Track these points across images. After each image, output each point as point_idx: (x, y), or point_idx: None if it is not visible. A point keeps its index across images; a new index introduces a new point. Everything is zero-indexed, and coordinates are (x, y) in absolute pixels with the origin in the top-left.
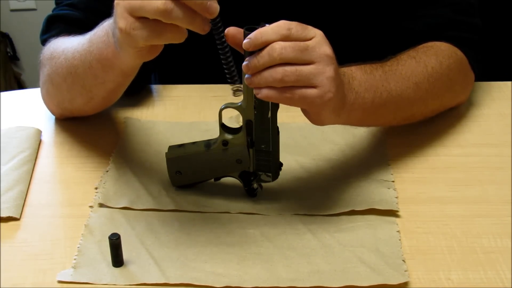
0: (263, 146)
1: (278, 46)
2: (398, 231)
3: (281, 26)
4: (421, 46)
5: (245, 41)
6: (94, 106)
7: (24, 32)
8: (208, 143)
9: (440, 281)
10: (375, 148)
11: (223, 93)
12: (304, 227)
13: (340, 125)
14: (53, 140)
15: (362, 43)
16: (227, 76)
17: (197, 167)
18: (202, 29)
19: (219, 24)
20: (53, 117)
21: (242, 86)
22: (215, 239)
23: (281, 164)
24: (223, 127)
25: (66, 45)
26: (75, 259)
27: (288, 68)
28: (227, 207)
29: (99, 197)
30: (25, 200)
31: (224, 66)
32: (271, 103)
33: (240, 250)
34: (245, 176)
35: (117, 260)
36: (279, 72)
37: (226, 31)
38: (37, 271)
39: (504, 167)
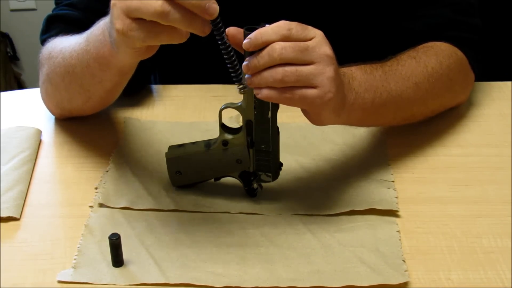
0: (263, 146)
1: (278, 46)
2: (398, 231)
3: (281, 26)
4: (421, 46)
5: (245, 41)
6: (92, 105)
7: (24, 32)
8: (208, 143)
9: (440, 281)
10: (375, 148)
11: (223, 93)
12: (304, 227)
13: (340, 125)
14: (53, 140)
15: (362, 43)
16: (232, 75)
17: (197, 167)
18: (201, 30)
19: (220, 25)
20: (53, 117)
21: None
22: (215, 239)
23: (281, 164)
24: (223, 127)
25: (64, 45)
26: (75, 259)
27: (288, 69)
28: (227, 207)
29: (99, 197)
30: (25, 200)
31: (229, 66)
32: (271, 103)
33: (240, 250)
34: (245, 176)
35: (117, 260)
36: (279, 72)
37: (226, 31)
38: (37, 271)
39: (504, 167)
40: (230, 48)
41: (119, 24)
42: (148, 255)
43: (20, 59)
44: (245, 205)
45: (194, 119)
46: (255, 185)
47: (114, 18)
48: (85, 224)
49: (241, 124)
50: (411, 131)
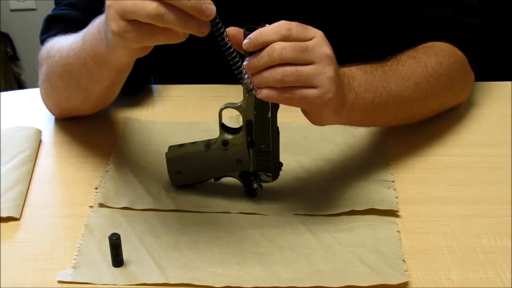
0: (263, 146)
1: (278, 46)
2: (398, 231)
3: (281, 26)
4: (421, 46)
5: (245, 41)
6: (91, 104)
7: (24, 32)
8: (208, 143)
9: (440, 281)
10: (375, 148)
11: (223, 93)
12: (304, 227)
13: (340, 125)
14: (53, 140)
15: (362, 43)
16: (238, 76)
17: (197, 167)
18: (199, 31)
19: (220, 25)
20: (53, 117)
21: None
22: (215, 239)
23: (281, 164)
24: (223, 127)
25: (62, 44)
26: (75, 259)
27: (288, 69)
28: (227, 207)
29: (99, 197)
30: (25, 200)
31: (233, 67)
32: (271, 103)
33: (240, 250)
34: (245, 176)
35: (117, 260)
36: (279, 72)
37: (226, 31)
38: (37, 271)
39: (504, 167)
40: (232, 49)
41: (114, 26)
42: (148, 255)
43: (20, 59)
44: (245, 205)
45: (194, 119)
46: (255, 185)
47: (109, 19)
48: (85, 224)
49: (241, 124)
50: (411, 131)
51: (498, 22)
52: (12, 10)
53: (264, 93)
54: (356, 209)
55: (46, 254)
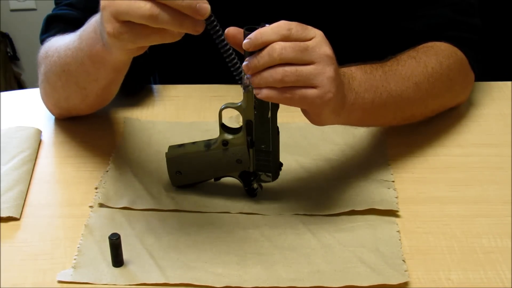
0: (263, 146)
1: (278, 46)
2: (398, 231)
3: (281, 26)
4: (421, 46)
5: (245, 41)
6: (89, 104)
7: (24, 32)
8: (208, 143)
9: (440, 281)
10: (375, 148)
11: (223, 93)
12: (304, 227)
13: (340, 125)
14: (53, 140)
15: (362, 43)
16: (234, 73)
17: (197, 167)
18: (194, 30)
19: (215, 23)
20: (53, 117)
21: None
22: (215, 239)
23: (281, 164)
24: (223, 127)
25: (59, 43)
26: (75, 259)
27: (288, 69)
28: (227, 207)
29: (99, 197)
30: (25, 200)
31: (229, 64)
32: (271, 103)
33: (240, 250)
34: (245, 176)
35: (117, 260)
36: (279, 72)
37: (226, 31)
38: (37, 271)
39: (504, 167)
40: (228, 46)
41: (109, 28)
42: (148, 255)
43: (20, 59)
44: (245, 205)
45: (194, 119)
46: (255, 185)
47: (104, 21)
48: (85, 224)
49: (241, 124)
50: (411, 131)
51: (498, 22)
52: (12, 10)
53: (264, 93)
54: (356, 209)
55: (46, 254)
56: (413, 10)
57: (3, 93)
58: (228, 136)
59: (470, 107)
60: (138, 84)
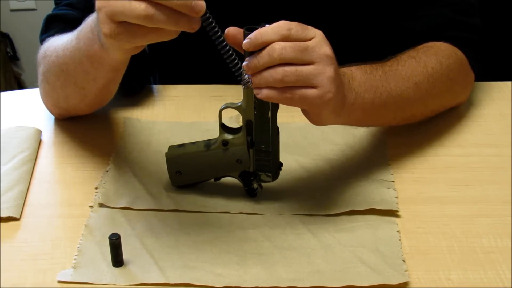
0: (263, 146)
1: (278, 46)
2: (398, 231)
3: (281, 26)
4: (421, 46)
5: (245, 41)
6: (89, 103)
7: (24, 32)
8: (208, 143)
9: (440, 281)
10: (375, 148)
11: (223, 93)
12: (304, 227)
13: (340, 125)
14: (53, 140)
15: (362, 43)
16: (233, 69)
17: (197, 167)
18: (189, 28)
19: (210, 20)
20: (53, 117)
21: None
22: (215, 239)
23: (281, 164)
24: (223, 127)
25: (57, 43)
26: (75, 259)
27: (288, 68)
28: (227, 207)
29: (99, 197)
30: (25, 200)
31: (227, 61)
32: (271, 103)
33: (240, 250)
34: (245, 176)
35: (117, 260)
36: (279, 72)
37: (226, 31)
38: (37, 271)
39: (504, 167)
40: (225, 42)
41: (105, 29)
42: (148, 255)
43: (20, 59)
44: (245, 205)
45: (194, 119)
46: (255, 185)
47: (100, 22)
48: (85, 224)
49: (241, 124)
50: (411, 131)
51: (498, 22)
52: (12, 10)
53: (264, 93)
54: (356, 209)
55: (46, 254)
56: (413, 10)
57: (3, 93)
58: (228, 136)
59: (470, 107)
60: (138, 84)
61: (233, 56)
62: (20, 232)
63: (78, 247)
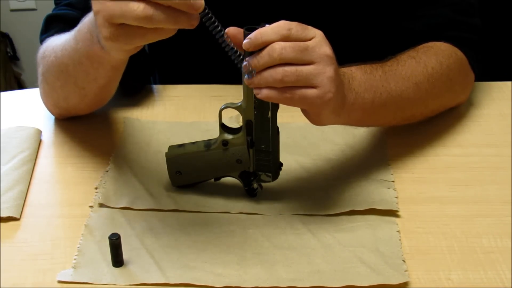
0: (263, 146)
1: (278, 46)
2: (398, 231)
3: (281, 26)
4: (421, 46)
5: (245, 41)
6: (88, 103)
7: (24, 32)
8: (208, 143)
9: (440, 281)
10: (375, 148)
11: (223, 93)
12: (304, 227)
13: (340, 125)
14: (53, 140)
15: (362, 43)
16: (235, 61)
17: (197, 167)
18: (189, 25)
19: (210, 15)
20: (53, 117)
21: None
22: (215, 239)
23: (281, 164)
24: (223, 127)
25: (56, 43)
26: (75, 259)
27: (288, 68)
28: (227, 207)
29: (99, 197)
30: (25, 200)
31: (229, 54)
32: (271, 103)
33: (240, 250)
34: (245, 176)
35: (117, 260)
36: (279, 72)
37: (226, 31)
38: (37, 271)
39: (504, 167)
40: (226, 36)
41: (105, 32)
42: (148, 255)
43: (20, 59)
44: (245, 205)
45: (194, 119)
46: (255, 185)
47: (99, 26)
48: (85, 224)
49: (241, 124)
50: (411, 131)
51: (498, 22)
52: (12, 10)
53: (264, 93)
54: (356, 209)
55: (46, 254)
56: (413, 10)
57: (3, 93)
58: (228, 136)
59: (470, 107)
60: (138, 84)
61: (235, 49)
62: (20, 232)
63: (78, 247)
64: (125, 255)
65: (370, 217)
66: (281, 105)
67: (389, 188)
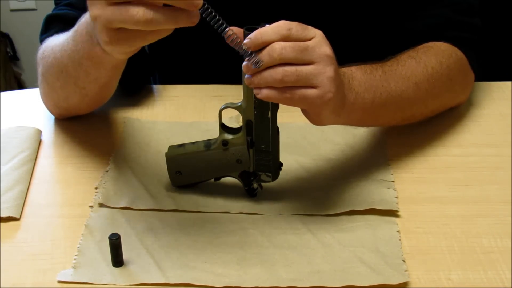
0: (263, 146)
1: (278, 46)
2: (398, 231)
3: (281, 26)
4: (421, 46)
5: (245, 41)
6: (89, 102)
7: (24, 32)
8: (208, 143)
9: (440, 281)
10: (375, 148)
11: (223, 93)
12: (304, 227)
13: (340, 125)
14: (53, 140)
15: (362, 43)
16: (240, 53)
17: (197, 167)
18: (190, 22)
19: (210, 10)
20: (53, 117)
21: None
22: (215, 239)
23: (281, 164)
24: (223, 127)
25: (55, 43)
26: (75, 259)
27: (288, 68)
28: (227, 207)
29: (99, 197)
30: (25, 200)
31: (236, 48)
32: (271, 103)
33: (240, 250)
34: (245, 176)
35: (117, 260)
36: (279, 72)
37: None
38: (37, 271)
39: (504, 167)
40: (227, 29)
41: (105, 37)
42: (148, 255)
43: (20, 59)
44: (245, 205)
45: (194, 119)
46: (255, 185)
47: (98, 31)
48: (85, 224)
49: (241, 124)
50: (411, 131)
51: (498, 22)
52: (12, 10)
53: (264, 93)
54: (356, 209)
55: (46, 254)
56: (413, 10)
57: (3, 93)
58: (228, 136)
59: (470, 107)
60: (138, 84)
61: (238, 40)
62: (20, 232)
63: (78, 247)
64: (125, 255)
65: (370, 217)
66: (281, 105)
67: (389, 188)
